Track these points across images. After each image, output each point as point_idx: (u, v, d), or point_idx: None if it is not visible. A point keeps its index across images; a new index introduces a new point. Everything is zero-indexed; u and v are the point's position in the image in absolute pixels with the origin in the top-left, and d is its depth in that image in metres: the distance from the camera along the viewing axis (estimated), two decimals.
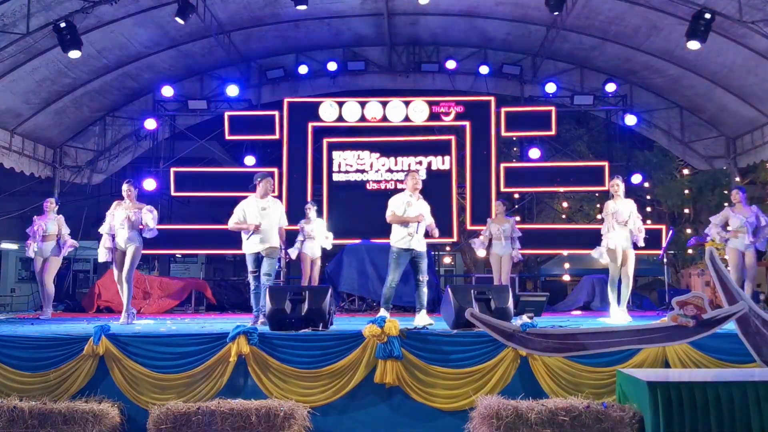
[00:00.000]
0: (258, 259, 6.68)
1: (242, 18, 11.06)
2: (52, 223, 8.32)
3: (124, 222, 6.92)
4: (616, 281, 7.21)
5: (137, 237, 7.02)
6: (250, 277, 6.76)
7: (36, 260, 8.33)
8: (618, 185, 7.23)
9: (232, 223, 6.77)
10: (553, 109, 11.94)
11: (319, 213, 9.89)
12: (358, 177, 11.99)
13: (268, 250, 6.62)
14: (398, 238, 6.43)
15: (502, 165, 12.02)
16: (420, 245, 6.45)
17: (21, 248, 13.44)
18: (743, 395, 4.11)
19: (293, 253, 9.05)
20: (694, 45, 8.92)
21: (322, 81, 12.80)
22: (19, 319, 8.05)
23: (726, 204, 8.88)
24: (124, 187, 7.12)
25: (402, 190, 6.77)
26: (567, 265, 16.60)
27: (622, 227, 7.10)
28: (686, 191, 17.02)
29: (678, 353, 5.00)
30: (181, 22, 9.26)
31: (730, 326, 4.54)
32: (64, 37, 8.81)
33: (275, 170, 11.47)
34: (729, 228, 7.72)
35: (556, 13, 9.60)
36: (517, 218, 11.37)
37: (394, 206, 6.50)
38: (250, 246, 6.67)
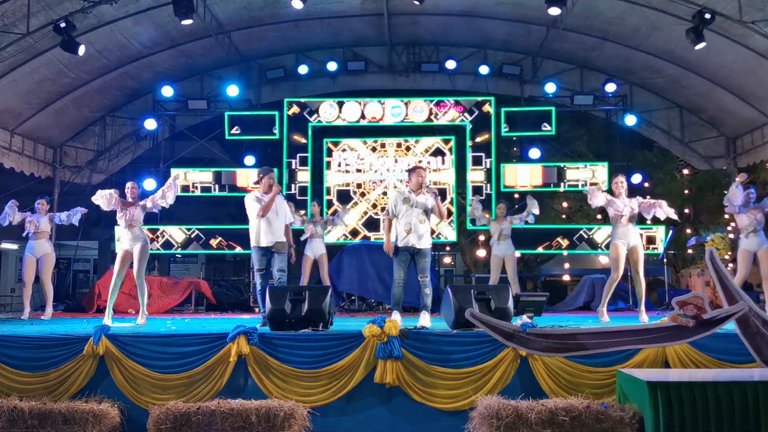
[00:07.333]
0: (267, 254, 6.41)
1: (242, 18, 11.05)
2: (44, 221, 8.35)
3: (121, 221, 6.86)
4: (613, 280, 7.11)
5: (141, 235, 6.89)
6: (257, 276, 6.44)
7: (28, 259, 8.33)
8: (622, 183, 7.15)
9: (258, 212, 6.34)
10: (553, 109, 11.93)
11: (321, 213, 9.89)
12: (358, 177, 11.99)
13: (279, 244, 6.39)
14: (395, 235, 6.35)
15: (502, 165, 12.02)
16: (420, 242, 6.20)
17: (21, 248, 13.40)
18: (743, 395, 4.11)
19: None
20: (701, 46, 8.93)
21: (322, 81, 12.79)
22: (19, 319, 8.05)
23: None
24: (128, 185, 7.02)
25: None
26: (567, 265, 16.59)
27: (625, 225, 7.03)
28: (686, 191, 17.01)
29: (678, 353, 4.99)
30: (186, 22, 9.16)
31: (730, 326, 4.54)
32: (66, 37, 8.81)
33: (275, 170, 11.44)
34: (740, 227, 7.64)
35: (556, 13, 9.55)
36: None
37: (389, 204, 6.46)
38: (258, 240, 6.38)
